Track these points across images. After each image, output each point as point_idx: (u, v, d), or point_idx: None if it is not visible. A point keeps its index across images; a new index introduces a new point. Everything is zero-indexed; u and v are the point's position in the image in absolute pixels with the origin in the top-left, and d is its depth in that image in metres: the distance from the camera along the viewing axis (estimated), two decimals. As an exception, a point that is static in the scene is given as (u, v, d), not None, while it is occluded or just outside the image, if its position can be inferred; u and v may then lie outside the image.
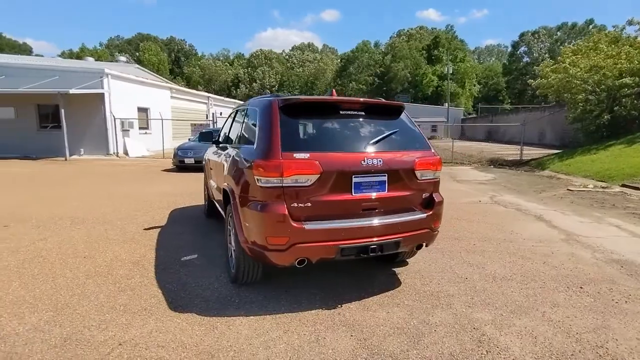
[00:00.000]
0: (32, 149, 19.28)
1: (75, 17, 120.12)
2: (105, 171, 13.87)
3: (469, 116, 53.54)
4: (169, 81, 38.18)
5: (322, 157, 3.22)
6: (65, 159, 17.76)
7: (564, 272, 4.23)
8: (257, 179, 3.21)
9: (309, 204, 3.23)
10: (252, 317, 3.27)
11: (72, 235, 5.58)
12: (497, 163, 16.16)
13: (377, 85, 65.49)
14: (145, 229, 5.95)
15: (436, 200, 3.70)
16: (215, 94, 61.45)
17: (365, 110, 3.68)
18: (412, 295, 3.66)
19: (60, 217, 6.60)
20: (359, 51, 68.47)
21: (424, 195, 3.64)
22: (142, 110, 21.81)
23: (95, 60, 39.35)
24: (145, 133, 21.85)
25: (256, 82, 66.04)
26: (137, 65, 35.95)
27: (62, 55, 77.20)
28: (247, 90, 66.41)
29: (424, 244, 3.69)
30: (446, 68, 49.94)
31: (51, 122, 20.18)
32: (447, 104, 47.02)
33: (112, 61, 41.67)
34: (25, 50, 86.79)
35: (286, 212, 3.15)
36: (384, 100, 4.04)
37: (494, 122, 38.27)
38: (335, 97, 3.89)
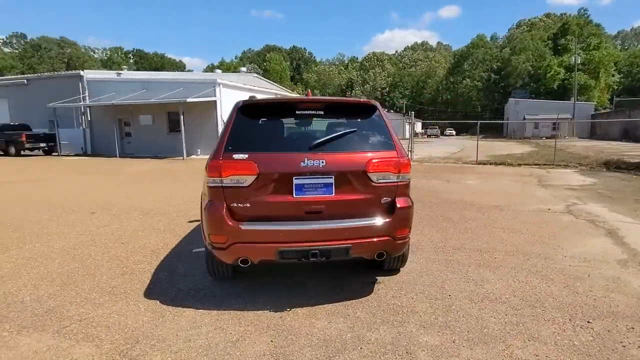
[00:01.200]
0: (162, 150, 22.25)
1: (219, 35, 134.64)
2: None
3: (602, 111, 45.73)
4: (283, 88, 40.54)
5: (260, 157, 3.11)
6: (183, 158, 20.09)
7: (582, 300, 3.39)
8: (205, 179, 3.24)
9: (248, 205, 3.14)
10: (202, 310, 3.31)
11: (130, 224, 6.29)
12: (613, 166, 13.57)
13: (493, 81, 60.29)
14: (189, 222, 6.41)
15: (399, 205, 3.28)
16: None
17: (326, 109, 3.44)
18: (371, 308, 3.30)
19: (135, 209, 7.50)
20: (473, 46, 63.86)
21: (382, 200, 3.26)
22: (250, 115, 23.52)
23: (230, 72, 43.77)
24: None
25: (368, 84, 66.16)
26: (255, 74, 38.94)
27: (206, 69, 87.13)
28: (360, 92, 66.94)
29: (385, 253, 3.30)
30: (574, 58, 43.44)
31: (177, 127, 23.05)
32: (573, 98, 40.91)
33: (236, 72, 45.70)
34: (181, 66, 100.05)
35: (224, 212, 3.12)
36: (353, 98, 3.71)
37: (632, 116, 32.00)
38: (297, 97, 3.70)
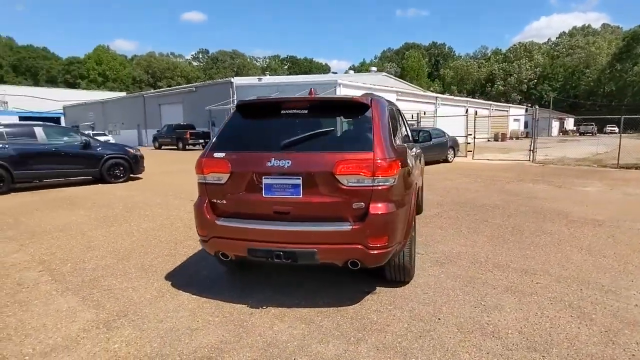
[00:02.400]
0: None
1: (363, 36, 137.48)
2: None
3: None
4: (414, 85, 39.42)
5: (233, 156, 3.14)
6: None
7: (613, 354, 2.54)
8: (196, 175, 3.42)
9: (225, 201, 3.21)
10: (196, 296, 3.51)
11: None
12: None
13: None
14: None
15: (372, 212, 2.92)
16: (467, 94, 58.96)
17: (311, 109, 3.26)
18: (342, 319, 3.04)
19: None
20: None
21: (354, 205, 2.95)
22: (368, 113, 23.57)
23: (364, 72, 44.78)
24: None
25: (512, 76, 59.48)
26: (384, 73, 38.65)
27: (348, 70, 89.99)
28: (502, 86, 60.73)
29: (359, 262, 2.98)
30: None
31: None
32: None
33: (367, 72, 46.00)
34: (326, 69, 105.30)
35: (204, 207, 3.24)
36: (342, 97, 3.40)
37: None
38: (286, 96, 3.54)
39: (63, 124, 50.19)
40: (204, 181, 3.28)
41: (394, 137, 3.36)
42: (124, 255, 4.67)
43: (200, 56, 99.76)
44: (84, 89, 63.51)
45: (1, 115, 47.96)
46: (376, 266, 3.14)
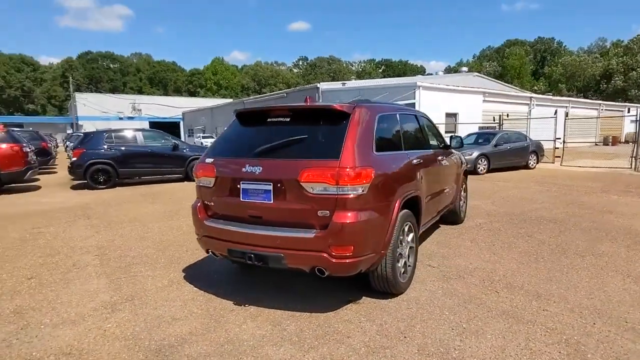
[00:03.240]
0: None
1: (461, 35, 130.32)
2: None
3: None
4: (510, 86, 36.32)
5: (219, 162, 3.31)
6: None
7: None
8: None
9: (212, 203, 3.39)
10: (197, 289, 3.76)
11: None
12: None
13: None
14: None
15: (335, 220, 2.84)
16: (577, 92, 52.44)
17: (293, 116, 3.28)
18: (308, 325, 3.01)
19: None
20: None
21: (319, 213, 2.89)
22: (451, 116, 22.29)
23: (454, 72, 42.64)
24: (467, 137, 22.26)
25: (635, 71, 51.07)
26: (476, 73, 36.17)
27: (444, 71, 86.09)
28: (622, 82, 52.52)
29: (325, 270, 2.92)
30: None
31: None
32: None
33: (457, 72, 43.45)
34: (421, 70, 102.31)
35: (197, 208, 3.48)
36: (323, 104, 3.31)
37: None
38: (277, 105, 3.54)
39: (182, 128, 56.88)
40: (198, 184, 3.51)
41: (376, 146, 3.21)
42: (164, 246, 5.18)
43: (300, 63, 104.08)
44: (201, 96, 70.62)
45: (135, 120, 56.33)
46: (347, 275, 3.05)
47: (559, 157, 14.97)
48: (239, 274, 4.17)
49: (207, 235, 3.40)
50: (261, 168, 3.06)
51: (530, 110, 25.55)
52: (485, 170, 12.51)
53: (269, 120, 3.40)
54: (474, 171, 12.28)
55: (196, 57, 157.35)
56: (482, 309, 3.19)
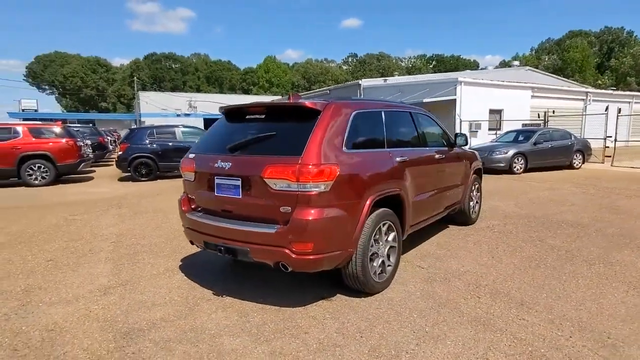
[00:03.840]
0: None
1: (517, 27, 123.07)
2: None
3: None
4: (565, 79, 33.87)
5: (198, 157, 3.41)
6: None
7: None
8: None
9: (194, 197, 3.51)
10: (187, 278, 3.90)
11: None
12: None
13: None
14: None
15: (295, 217, 2.83)
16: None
17: (266, 114, 3.30)
18: (272, 318, 3.03)
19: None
20: None
21: (282, 209, 2.89)
22: (495, 112, 21.17)
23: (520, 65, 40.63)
24: (496, 134, 21.08)
25: None
26: (528, 68, 33.97)
27: (498, 65, 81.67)
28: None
29: (288, 266, 2.93)
30: None
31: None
32: None
33: (508, 66, 41.06)
34: (474, 65, 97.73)
35: (181, 200, 3.61)
36: (296, 102, 3.26)
37: None
38: (254, 102, 3.54)
39: None
40: (183, 178, 3.65)
41: (348, 143, 3.14)
42: (173, 236, 5.42)
43: (350, 60, 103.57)
44: (254, 94, 72.49)
45: (192, 117, 59.34)
46: (311, 271, 3.04)
47: (609, 156, 13.70)
48: (229, 266, 4.28)
49: (189, 227, 3.53)
50: (230, 164, 3.12)
51: (585, 107, 23.60)
52: (522, 170, 11.76)
53: (247, 117, 3.45)
54: (509, 170, 11.59)
55: (251, 56, 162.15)
56: (454, 314, 3.03)
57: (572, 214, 6.31)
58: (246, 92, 79.50)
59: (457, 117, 20.00)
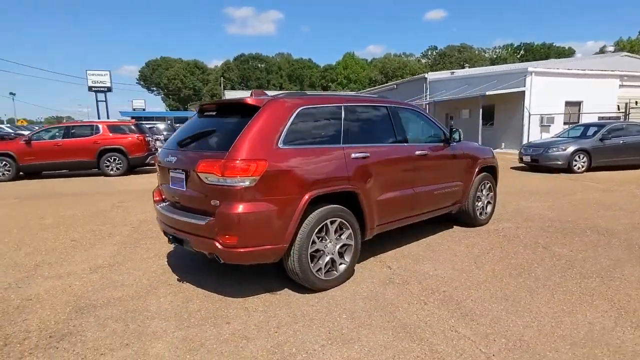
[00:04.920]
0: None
1: (620, 10, 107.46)
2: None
3: None
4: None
5: (162, 151, 3.62)
6: (477, 151, 18.90)
7: None
8: None
9: (162, 189, 3.72)
10: (166, 264, 4.18)
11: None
12: None
13: None
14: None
15: (219, 210, 2.88)
16: None
17: (217, 111, 3.37)
18: (206, 305, 3.12)
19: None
20: None
21: (212, 202, 2.95)
22: (572, 104, 18.81)
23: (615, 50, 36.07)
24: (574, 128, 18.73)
25: None
26: (625, 53, 29.42)
27: (599, 51, 72.44)
28: None
29: (218, 258, 2.99)
30: None
31: (491, 120, 21.67)
32: None
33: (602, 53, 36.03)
34: (568, 53, 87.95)
35: (154, 193, 3.86)
36: (237, 98, 3.25)
37: None
38: (212, 100, 3.57)
39: None
40: (156, 171, 3.90)
41: (286, 139, 3.08)
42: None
43: (429, 53, 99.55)
44: (332, 90, 73.34)
45: None
46: (240, 263, 3.07)
47: None
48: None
49: (157, 218, 3.76)
50: (176, 158, 3.27)
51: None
52: (584, 169, 10.31)
53: (205, 114, 3.57)
54: (568, 169, 10.27)
55: (332, 54, 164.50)
56: (385, 319, 2.84)
57: (608, 220, 5.43)
58: (325, 88, 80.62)
59: (525, 110, 18.20)
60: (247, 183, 2.86)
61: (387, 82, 78.01)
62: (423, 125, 4.62)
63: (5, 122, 47.52)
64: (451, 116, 26.07)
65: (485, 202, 5.32)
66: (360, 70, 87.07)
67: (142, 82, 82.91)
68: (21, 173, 12.03)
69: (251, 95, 3.65)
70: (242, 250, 2.92)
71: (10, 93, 74.18)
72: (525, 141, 18.08)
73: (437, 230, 5.05)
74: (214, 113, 3.46)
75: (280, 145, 3.06)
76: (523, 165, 11.66)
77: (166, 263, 4.16)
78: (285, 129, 3.11)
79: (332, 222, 3.33)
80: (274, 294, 3.33)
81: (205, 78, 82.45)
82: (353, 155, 3.48)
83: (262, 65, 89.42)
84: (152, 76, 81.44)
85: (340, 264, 3.46)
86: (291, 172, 3.05)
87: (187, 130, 3.61)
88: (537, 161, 10.66)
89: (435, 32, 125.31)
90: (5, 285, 3.67)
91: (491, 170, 5.40)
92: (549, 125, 18.17)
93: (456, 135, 4.62)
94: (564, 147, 10.27)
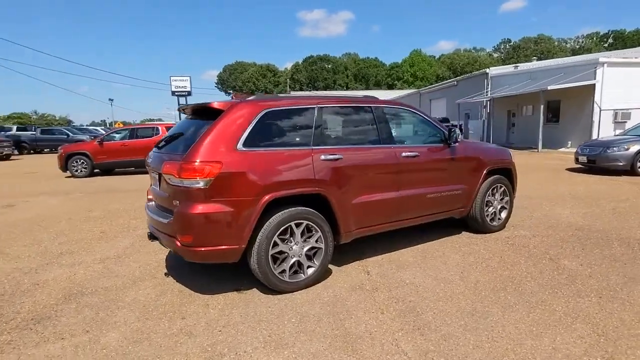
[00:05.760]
0: (537, 141, 19.27)
1: None
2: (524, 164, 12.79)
3: None
4: None
5: (151, 153, 3.79)
6: (537, 151, 17.30)
7: None
8: None
9: (150, 189, 3.92)
10: (162, 260, 4.42)
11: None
12: None
13: None
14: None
15: (177, 210, 2.98)
16: None
17: (192, 114, 3.47)
18: (171, 299, 3.23)
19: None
20: None
21: (174, 202, 3.05)
22: (656, 98, 16.39)
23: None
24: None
25: None
26: None
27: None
28: None
29: (182, 255, 3.10)
30: None
31: (555, 116, 19.68)
32: None
33: None
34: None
35: (147, 192, 4.08)
36: (207, 103, 3.27)
37: None
38: (191, 104, 3.62)
39: None
40: (149, 172, 4.12)
41: (248, 141, 3.07)
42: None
43: (502, 46, 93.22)
44: (398, 89, 71.58)
45: None
46: (200, 262, 3.13)
47: None
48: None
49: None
50: (151, 159, 3.42)
51: None
52: (652, 171, 8.93)
53: (186, 117, 3.69)
54: (632, 171, 8.96)
55: (400, 52, 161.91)
56: (331, 326, 2.72)
57: (650, 231, 4.65)
58: (391, 87, 79.19)
59: (595, 105, 16.25)
60: (201, 184, 2.91)
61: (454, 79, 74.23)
62: (417, 126, 4.34)
63: (107, 125, 53.49)
64: (513, 113, 24.20)
65: (499, 207, 4.84)
66: (427, 67, 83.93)
67: (219, 86, 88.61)
68: (96, 170, 13.43)
69: (232, 98, 3.72)
70: (198, 249, 2.99)
71: (109, 99, 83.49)
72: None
73: (441, 236, 4.71)
74: (190, 117, 3.57)
75: (240, 147, 3.06)
76: (580, 166, 10.41)
77: (162, 257, 4.37)
78: (246, 132, 3.11)
79: (297, 225, 3.26)
80: (241, 292, 3.35)
81: (276, 80, 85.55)
82: (323, 157, 3.37)
83: (329, 66, 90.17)
84: (228, 79, 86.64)
85: (309, 267, 3.38)
86: (249, 174, 3.04)
87: (168, 134, 3.76)
88: (594, 162, 9.46)
89: (512, 24, 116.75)
90: (27, 270, 4.13)
91: (506, 173, 4.90)
92: (625, 122, 16.03)
93: (453, 136, 4.26)
94: (626, 147, 8.99)
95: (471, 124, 29.90)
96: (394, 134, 3.98)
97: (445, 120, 30.30)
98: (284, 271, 3.25)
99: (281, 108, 3.36)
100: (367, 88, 79.53)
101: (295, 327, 2.74)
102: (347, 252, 4.20)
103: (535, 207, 6.17)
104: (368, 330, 2.65)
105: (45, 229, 5.83)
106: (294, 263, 3.30)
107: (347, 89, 79.76)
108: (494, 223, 4.80)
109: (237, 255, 3.11)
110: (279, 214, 3.16)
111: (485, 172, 4.57)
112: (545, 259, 3.85)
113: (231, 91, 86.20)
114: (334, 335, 2.60)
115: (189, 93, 35.61)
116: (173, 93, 35.16)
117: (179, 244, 3.02)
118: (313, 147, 3.38)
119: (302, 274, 3.34)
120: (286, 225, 3.20)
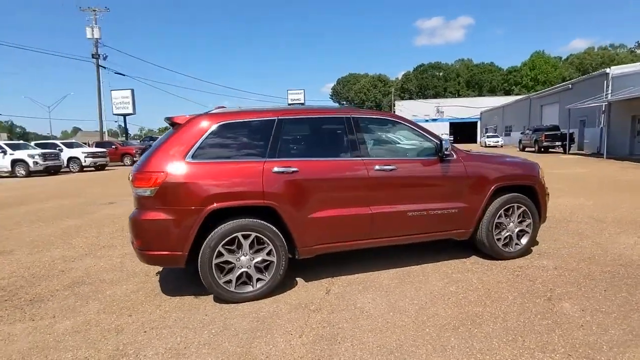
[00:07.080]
0: None
1: None
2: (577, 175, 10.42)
3: None
4: None
5: None
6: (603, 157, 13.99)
7: None
8: None
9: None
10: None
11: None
12: None
13: None
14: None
15: (130, 216, 3.18)
16: None
17: (171, 126, 3.69)
18: (131, 299, 3.46)
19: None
20: None
21: (136, 207, 3.29)
22: None
23: None
24: None
25: None
26: None
27: None
28: None
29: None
30: None
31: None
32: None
33: None
34: None
35: None
36: (177, 116, 3.39)
37: None
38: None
39: (478, 128, 56.78)
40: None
41: (196, 154, 3.15)
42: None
43: (649, 43, 78.48)
44: (515, 94, 64.78)
45: (438, 122, 60.23)
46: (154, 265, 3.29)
47: None
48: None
49: None
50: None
51: None
52: None
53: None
54: None
55: (521, 55, 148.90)
56: (238, 344, 2.60)
57: None
58: (507, 92, 73.03)
59: None
60: (147, 193, 3.09)
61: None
62: (405, 138, 3.90)
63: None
64: (639, 119, 20.09)
65: (516, 231, 4.05)
66: (551, 69, 74.74)
67: (333, 97, 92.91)
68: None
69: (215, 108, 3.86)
70: (146, 252, 3.16)
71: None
72: None
73: (441, 259, 4.14)
74: (171, 128, 3.81)
75: (188, 159, 3.16)
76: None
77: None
78: (197, 144, 3.20)
79: (245, 236, 3.22)
80: (196, 297, 3.43)
81: (386, 90, 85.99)
82: (275, 170, 3.27)
83: (440, 74, 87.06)
84: (342, 91, 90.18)
85: (259, 279, 3.30)
86: (193, 185, 3.11)
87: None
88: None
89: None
90: (67, 259, 4.84)
91: (528, 191, 4.08)
92: None
93: (446, 145, 3.70)
94: None
95: (587, 132, 25.68)
96: (369, 147, 3.66)
97: (555, 128, 26.70)
98: (230, 281, 3.23)
99: (237, 121, 3.38)
100: (480, 94, 74.20)
101: (209, 338, 2.69)
102: (327, 266, 3.99)
103: (593, 232, 5.00)
104: (270, 353, 2.47)
105: (115, 223, 6.74)
106: (241, 274, 3.26)
107: (459, 96, 75.43)
108: (509, 249, 4.03)
109: (182, 262, 3.19)
110: (226, 224, 3.16)
111: (492, 189, 3.88)
112: (543, 298, 3.08)
113: (344, 102, 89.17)
114: (233, 354, 2.49)
115: (302, 104, 37.98)
116: (289, 105, 37.91)
117: (134, 247, 3.24)
118: (266, 160, 3.31)
119: (250, 286, 3.28)
120: (232, 236, 3.18)
